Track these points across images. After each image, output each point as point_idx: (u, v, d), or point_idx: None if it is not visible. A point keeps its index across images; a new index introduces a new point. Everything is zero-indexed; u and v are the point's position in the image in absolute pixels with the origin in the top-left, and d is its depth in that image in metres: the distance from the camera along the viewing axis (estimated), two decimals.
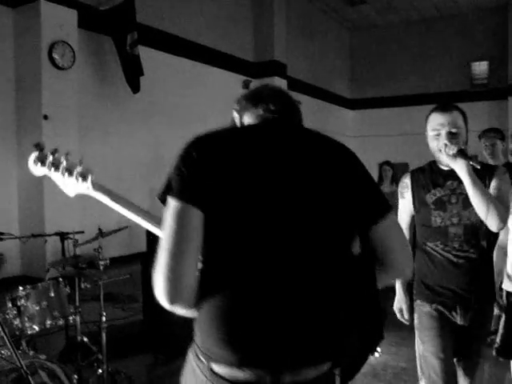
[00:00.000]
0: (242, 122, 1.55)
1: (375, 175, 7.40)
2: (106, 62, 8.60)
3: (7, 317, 2.79)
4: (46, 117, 6.94)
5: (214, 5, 11.19)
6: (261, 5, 12.44)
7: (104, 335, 3.49)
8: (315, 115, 15.88)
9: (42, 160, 1.67)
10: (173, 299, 1.22)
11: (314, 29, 15.92)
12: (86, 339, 3.51)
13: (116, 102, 8.66)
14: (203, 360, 1.28)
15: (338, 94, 17.86)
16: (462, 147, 2.35)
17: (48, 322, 2.95)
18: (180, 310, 1.26)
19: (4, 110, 7.19)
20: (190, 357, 1.35)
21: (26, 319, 2.86)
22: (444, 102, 2.57)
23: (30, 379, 2.46)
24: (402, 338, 5.01)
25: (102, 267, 3.45)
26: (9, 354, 2.68)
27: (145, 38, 8.89)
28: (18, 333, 2.80)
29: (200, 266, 1.28)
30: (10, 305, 2.79)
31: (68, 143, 7.05)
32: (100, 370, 3.50)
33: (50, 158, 1.66)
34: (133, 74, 8.52)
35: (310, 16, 15.62)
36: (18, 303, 2.83)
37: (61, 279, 3.14)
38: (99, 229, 3.43)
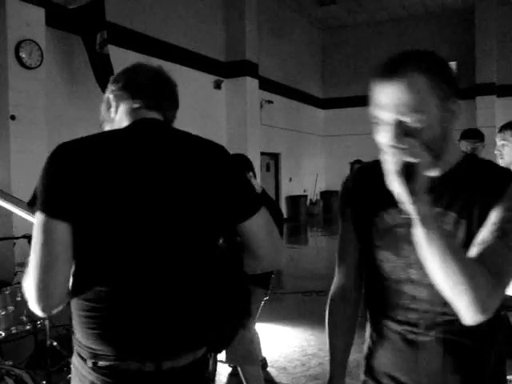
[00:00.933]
0: (116, 110, 1.52)
1: (346, 173, 7.44)
2: (75, 62, 8.49)
3: None
4: (13, 117, 6.79)
5: (185, 4, 11.14)
6: (232, 4, 12.43)
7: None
8: (287, 115, 15.96)
9: None
10: (44, 308, 1.31)
11: (285, 28, 16.00)
12: (55, 343, 3.44)
13: (85, 102, 8.53)
14: (84, 357, 1.36)
15: (310, 93, 17.99)
16: (416, 160, 1.10)
17: (14, 327, 2.89)
18: (52, 313, 1.36)
19: None
20: (73, 357, 1.43)
21: None
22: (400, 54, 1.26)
23: None
24: None
25: None
26: None
27: (114, 37, 8.80)
28: None
29: (73, 268, 1.34)
30: None
31: (36, 144, 6.92)
32: (70, 375, 3.44)
33: None
34: (102, 74, 8.40)
35: (281, 16, 15.70)
36: None
37: None
38: None
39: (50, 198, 1.30)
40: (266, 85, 13.86)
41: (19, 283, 3.15)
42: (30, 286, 1.30)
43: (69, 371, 3.47)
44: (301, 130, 17.07)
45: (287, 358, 4.52)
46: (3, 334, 2.81)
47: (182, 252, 1.39)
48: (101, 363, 1.34)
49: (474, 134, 4.48)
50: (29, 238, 3.55)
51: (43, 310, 1.32)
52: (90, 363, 1.35)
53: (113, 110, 1.53)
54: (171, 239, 1.38)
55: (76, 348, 1.40)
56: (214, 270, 1.47)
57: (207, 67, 11.88)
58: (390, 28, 17.43)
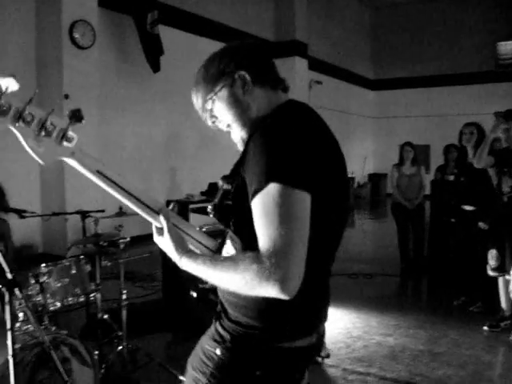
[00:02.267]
0: (251, 92, 1.47)
1: (395, 156, 7.32)
2: (126, 41, 8.60)
3: (30, 293, 2.83)
4: (66, 96, 6.97)
5: None
6: None
7: (124, 313, 3.53)
8: (336, 96, 15.74)
9: (3, 112, 1.24)
10: (294, 288, 1.19)
11: (335, 8, 15.71)
12: (106, 316, 3.55)
13: (136, 81, 8.66)
14: (262, 338, 1.40)
15: (360, 74, 17.64)
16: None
17: (69, 299, 2.99)
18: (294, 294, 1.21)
19: (26, 89, 7.23)
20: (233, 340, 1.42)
21: (49, 295, 2.90)
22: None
23: (53, 354, 2.50)
24: (421, 322, 5.00)
25: (122, 246, 3.48)
26: (32, 329, 2.74)
27: (165, 17, 8.86)
28: (40, 309, 2.84)
29: None
30: (32, 281, 2.83)
31: (88, 123, 7.08)
32: (120, 347, 3.55)
33: (18, 109, 1.27)
34: (153, 54, 8.51)
35: None
36: (41, 280, 2.87)
37: (82, 257, 3.17)
38: (120, 207, 3.45)
39: (298, 170, 1.24)
40: (315, 65, 13.69)
41: (73, 257, 3.26)
42: (272, 265, 1.16)
43: (118, 343, 3.58)
44: (349, 111, 16.82)
45: (332, 339, 4.51)
46: (59, 304, 2.91)
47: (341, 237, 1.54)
48: (296, 344, 1.44)
49: None
50: (82, 213, 3.66)
51: (292, 292, 1.18)
52: (268, 345, 1.41)
53: (246, 90, 1.49)
54: (344, 224, 1.53)
55: (245, 331, 1.42)
56: None
57: None
58: (445, 6, 16.84)
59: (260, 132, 1.31)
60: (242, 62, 1.48)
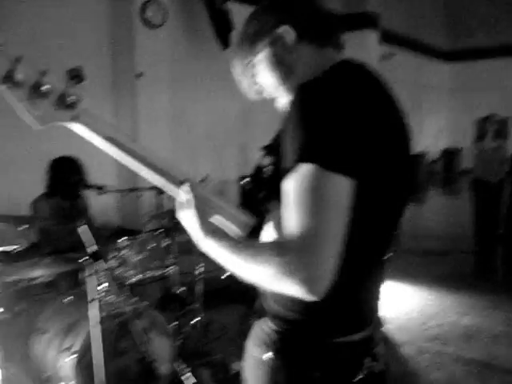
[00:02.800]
0: (293, 48, 1.25)
1: (472, 131, 7.02)
2: (195, 19, 8.65)
3: (111, 266, 2.95)
4: (140, 74, 7.12)
5: None
6: None
7: (200, 286, 3.62)
8: (408, 69, 15.24)
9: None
10: (326, 287, 1.01)
11: None
12: (182, 289, 3.65)
13: (206, 58, 8.72)
14: (320, 338, 1.22)
15: (433, 45, 16.98)
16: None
17: (148, 272, 3.09)
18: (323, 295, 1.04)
19: (100, 68, 7.45)
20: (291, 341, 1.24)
21: (129, 268, 3.01)
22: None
23: (134, 324, 2.61)
24: (496, 302, 4.83)
25: None
26: (114, 299, 2.85)
27: None
28: (121, 281, 2.95)
29: None
30: (113, 254, 2.95)
31: (161, 100, 7.25)
32: (195, 320, 3.65)
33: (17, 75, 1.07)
34: (222, 30, 8.52)
35: None
36: (121, 253, 2.98)
37: (160, 231, 3.26)
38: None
39: (338, 150, 1.03)
40: (386, 37, 13.28)
41: (151, 231, 3.35)
42: (297, 261, 0.99)
43: (194, 316, 3.67)
44: (422, 84, 16.26)
45: (406, 316, 4.45)
46: (138, 277, 3.02)
47: (395, 228, 1.29)
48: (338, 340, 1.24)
49: None
50: (158, 189, 3.75)
51: (322, 292, 1.01)
52: (324, 342, 1.23)
53: (286, 41, 1.27)
54: (400, 212, 1.27)
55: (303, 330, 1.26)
56: None
57: None
58: None
59: (298, 99, 1.08)
60: (283, 16, 1.26)
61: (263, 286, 1.12)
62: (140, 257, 3.02)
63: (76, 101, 1.15)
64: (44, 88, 1.10)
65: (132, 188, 4.19)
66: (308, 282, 0.98)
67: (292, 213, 1.02)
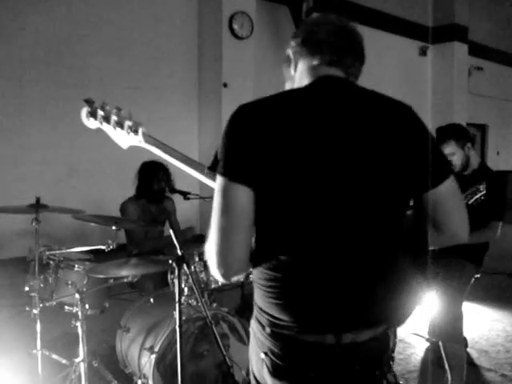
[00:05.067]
0: (295, 68, 1.45)
1: None
2: (281, 31, 8.75)
3: (195, 270, 3.01)
4: (225, 85, 7.28)
5: None
6: None
7: None
8: (497, 82, 14.62)
9: (93, 114, 1.69)
10: (224, 274, 1.28)
11: None
12: None
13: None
14: (263, 323, 1.33)
15: None
16: None
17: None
18: (232, 280, 1.34)
19: (187, 78, 7.69)
20: (252, 321, 1.41)
21: (211, 274, 3.06)
22: None
23: (214, 329, 2.65)
24: None
25: None
26: (196, 303, 2.92)
27: (320, 5, 8.85)
28: (202, 285, 3.01)
29: (253, 237, 1.30)
30: (197, 259, 3.01)
31: None
32: None
33: (101, 112, 1.67)
34: None
35: None
36: (205, 258, 3.04)
37: None
38: None
39: (231, 160, 1.23)
40: (475, 50, 12.82)
41: None
42: (210, 251, 1.27)
43: None
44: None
45: (489, 341, 4.25)
46: (220, 283, 3.06)
47: (367, 223, 1.28)
48: (278, 331, 1.30)
49: None
50: None
51: (223, 276, 1.28)
52: (268, 330, 1.31)
53: (292, 67, 1.46)
54: (356, 209, 1.26)
55: (255, 313, 1.38)
56: (397, 244, 1.34)
57: (412, 33, 11.37)
58: None
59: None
60: (295, 38, 1.44)
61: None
62: None
63: (138, 129, 1.63)
64: (123, 125, 1.64)
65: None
66: (214, 268, 1.28)
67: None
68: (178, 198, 4.03)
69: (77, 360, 2.82)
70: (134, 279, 2.93)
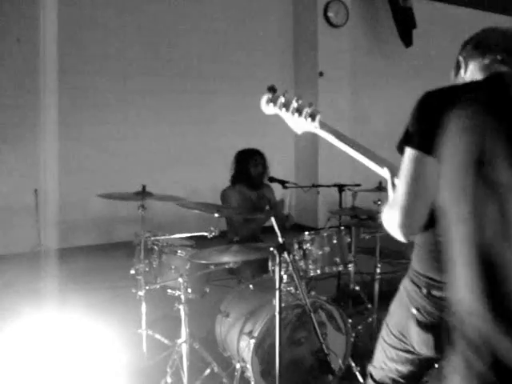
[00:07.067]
0: (466, 69, 1.60)
1: None
2: (377, 18, 8.53)
3: (294, 258, 3.03)
4: (321, 73, 7.24)
5: None
6: None
7: (377, 286, 3.56)
8: None
9: (273, 101, 1.87)
10: (406, 232, 1.44)
11: None
12: (357, 288, 3.63)
13: (388, 57, 8.56)
14: (419, 284, 1.63)
15: None
16: None
17: (328, 267, 3.12)
18: (410, 239, 1.50)
19: (283, 66, 7.71)
20: (405, 281, 1.71)
21: (310, 262, 3.07)
22: None
23: (312, 316, 2.67)
24: None
25: (379, 220, 3.49)
26: (295, 291, 2.94)
27: None
28: (301, 273, 3.03)
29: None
30: (296, 247, 3.03)
31: (341, 99, 7.29)
32: (370, 319, 3.61)
33: (282, 100, 1.86)
34: (405, 28, 8.30)
35: None
36: (304, 247, 3.06)
37: (342, 228, 3.27)
38: (379, 182, 3.46)
39: (424, 136, 1.40)
40: None
41: (334, 227, 3.39)
42: (394, 212, 1.44)
43: (368, 316, 3.64)
44: None
45: None
46: (318, 271, 3.07)
47: None
48: (435, 292, 1.59)
49: None
50: (339, 186, 3.78)
51: (404, 234, 1.44)
52: (424, 291, 1.61)
53: (462, 70, 1.63)
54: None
55: (411, 276, 1.68)
56: None
57: None
58: None
59: None
60: (466, 45, 1.61)
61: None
62: (322, 252, 3.06)
63: (315, 116, 1.77)
64: (301, 111, 1.80)
65: (315, 184, 4.27)
66: (395, 228, 1.44)
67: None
68: (275, 187, 4.08)
69: (179, 341, 2.93)
70: (235, 266, 3.00)
